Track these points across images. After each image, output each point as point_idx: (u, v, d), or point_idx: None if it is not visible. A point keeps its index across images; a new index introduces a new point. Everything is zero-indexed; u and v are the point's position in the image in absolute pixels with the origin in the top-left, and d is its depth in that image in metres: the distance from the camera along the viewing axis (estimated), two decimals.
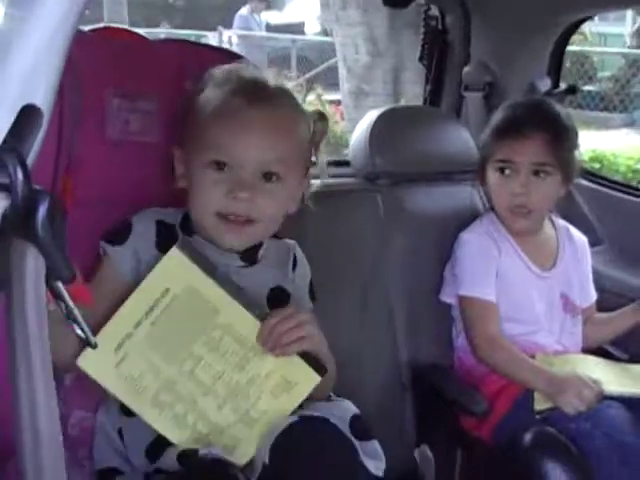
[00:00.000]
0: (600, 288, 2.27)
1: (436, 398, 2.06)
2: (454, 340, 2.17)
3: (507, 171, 2.09)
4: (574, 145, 2.14)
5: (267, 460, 1.33)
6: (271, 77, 1.53)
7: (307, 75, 10.50)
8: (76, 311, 0.73)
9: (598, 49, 10.75)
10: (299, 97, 1.59)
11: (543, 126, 2.07)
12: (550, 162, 2.06)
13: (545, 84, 2.62)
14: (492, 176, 2.13)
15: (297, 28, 12.59)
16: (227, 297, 1.41)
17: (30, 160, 0.65)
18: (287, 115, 1.51)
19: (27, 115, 0.63)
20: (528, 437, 1.80)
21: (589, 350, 2.17)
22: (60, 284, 0.67)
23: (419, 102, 2.86)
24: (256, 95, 1.47)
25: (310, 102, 9.35)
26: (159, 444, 1.41)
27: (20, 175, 0.62)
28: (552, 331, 2.12)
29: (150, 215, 1.52)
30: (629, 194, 2.63)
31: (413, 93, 5.03)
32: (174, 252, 1.40)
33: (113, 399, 1.44)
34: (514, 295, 2.10)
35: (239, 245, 1.52)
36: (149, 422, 1.38)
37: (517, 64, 2.60)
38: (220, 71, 1.52)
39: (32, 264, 0.64)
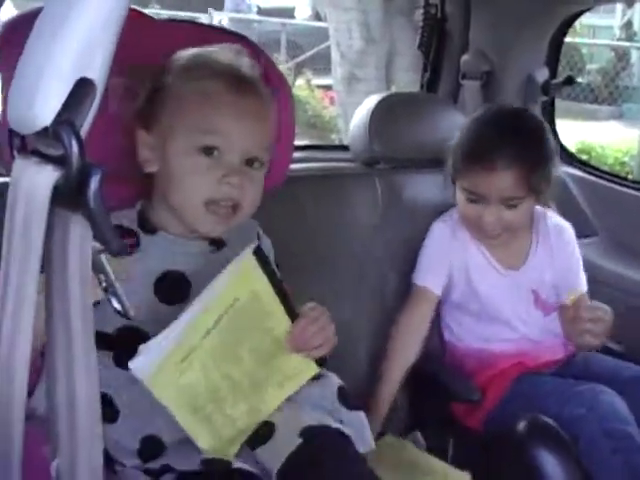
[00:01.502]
0: (594, 280, 2.27)
1: (429, 385, 2.08)
2: (443, 332, 2.18)
3: (475, 201, 1.98)
4: (550, 166, 1.99)
5: None
6: (246, 62, 1.49)
7: (296, 60, 10.47)
8: (117, 284, 0.72)
9: (587, 41, 10.76)
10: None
11: (517, 159, 1.91)
12: (522, 195, 1.94)
13: (543, 74, 2.63)
14: (459, 196, 2.03)
15: (288, 12, 12.52)
16: (277, 300, 1.39)
17: (83, 132, 0.65)
18: (268, 101, 1.50)
19: (81, 88, 0.63)
20: (521, 425, 1.80)
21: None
22: (103, 256, 0.67)
23: (410, 89, 2.87)
24: (242, 80, 1.45)
25: (299, 86, 9.36)
26: (152, 445, 1.39)
27: (75, 147, 0.63)
28: (521, 329, 2.08)
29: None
30: (624, 186, 2.64)
31: (405, 80, 5.04)
32: (249, 259, 1.36)
33: None
34: (481, 295, 2.08)
35: (221, 232, 1.50)
36: (184, 426, 1.33)
37: (515, 54, 2.60)
38: (194, 54, 1.48)
39: (78, 235, 0.64)
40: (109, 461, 1.40)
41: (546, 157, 1.99)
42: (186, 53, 1.48)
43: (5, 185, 0.67)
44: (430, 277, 2.07)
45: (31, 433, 0.84)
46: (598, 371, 2.03)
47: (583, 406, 1.81)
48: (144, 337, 1.33)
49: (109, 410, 1.38)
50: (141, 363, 1.27)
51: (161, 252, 1.46)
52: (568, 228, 2.18)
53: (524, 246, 2.12)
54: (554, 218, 2.18)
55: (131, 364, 1.27)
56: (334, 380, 1.54)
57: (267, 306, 1.38)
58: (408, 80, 4.74)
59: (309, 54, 10.55)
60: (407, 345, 2.04)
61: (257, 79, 1.49)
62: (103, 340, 1.32)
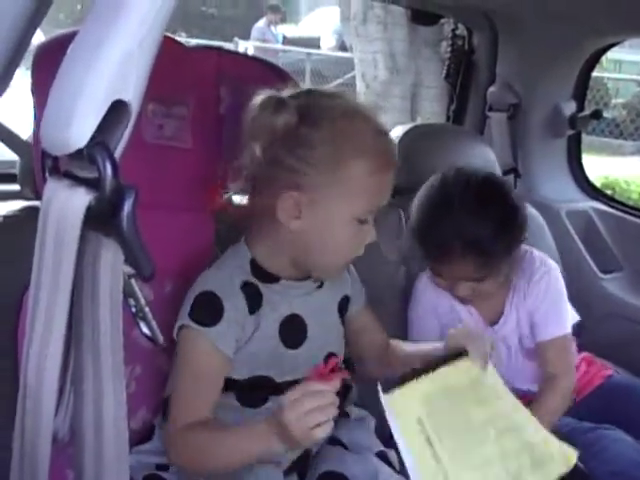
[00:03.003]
0: (617, 315, 2.25)
1: None
2: None
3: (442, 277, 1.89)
4: (514, 246, 1.83)
5: None
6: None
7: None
8: (147, 309, 0.72)
9: (613, 75, 10.74)
10: None
11: (475, 249, 1.75)
12: (488, 274, 1.81)
13: (570, 107, 2.63)
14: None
15: (313, 42, 12.60)
16: None
17: (117, 154, 0.65)
18: None
19: (116, 111, 0.63)
20: None
21: None
22: (133, 281, 0.67)
23: (436, 120, 2.87)
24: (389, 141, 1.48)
25: None
26: None
27: (109, 169, 0.62)
28: (520, 377, 1.94)
29: (231, 281, 1.44)
30: None
31: (430, 111, 5.04)
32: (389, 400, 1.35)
33: None
34: None
35: None
36: None
37: (542, 87, 2.61)
38: (353, 120, 1.41)
39: (109, 258, 0.63)
40: None
41: (508, 236, 1.81)
42: (346, 114, 1.41)
43: (34, 209, 0.67)
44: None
45: (53, 456, 0.83)
46: (618, 409, 2.00)
47: (596, 458, 1.76)
48: (270, 382, 1.44)
49: None
50: None
51: (281, 299, 1.49)
52: (552, 269, 1.99)
53: (500, 302, 1.97)
54: (535, 263, 1.98)
55: None
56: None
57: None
58: (433, 111, 4.75)
59: (334, 84, 10.59)
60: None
61: None
62: (233, 386, 1.44)
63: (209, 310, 1.41)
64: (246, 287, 1.45)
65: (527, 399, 1.76)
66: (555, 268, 1.99)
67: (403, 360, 1.60)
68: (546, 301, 1.94)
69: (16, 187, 1.68)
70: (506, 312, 1.97)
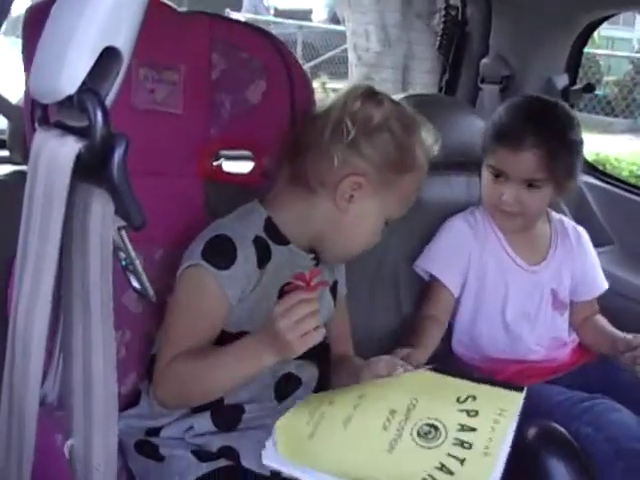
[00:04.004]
0: (607, 288, 2.25)
1: None
2: (452, 336, 2.15)
3: (499, 177, 2.03)
4: (574, 159, 2.04)
5: None
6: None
7: (312, 62, 10.46)
8: (137, 262, 0.71)
9: (606, 52, 10.72)
10: None
11: (542, 141, 1.96)
12: (544, 178, 1.99)
13: (563, 81, 2.61)
14: (485, 174, 2.09)
15: (304, 15, 12.52)
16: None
17: (109, 102, 0.64)
18: None
19: (107, 57, 0.62)
20: (532, 431, 1.78)
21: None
22: (124, 233, 0.66)
23: (428, 92, 2.86)
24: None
25: (314, 89, 9.33)
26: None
27: (99, 117, 0.61)
28: (537, 328, 2.09)
29: (245, 232, 1.48)
30: None
31: (422, 82, 5.02)
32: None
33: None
34: (498, 290, 2.08)
35: None
36: None
37: (536, 59, 2.59)
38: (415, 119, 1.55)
39: (99, 209, 0.62)
40: (154, 448, 1.46)
41: (571, 148, 2.03)
42: (408, 116, 1.54)
43: (23, 174, 0.65)
44: (447, 274, 2.07)
45: (42, 421, 0.83)
46: (613, 382, 2.01)
47: (590, 425, 1.78)
48: None
49: None
50: None
51: (286, 263, 1.51)
52: (585, 233, 2.23)
53: (544, 243, 2.16)
54: (571, 223, 2.24)
55: None
56: None
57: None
58: (425, 83, 4.71)
59: (325, 57, 10.55)
60: (428, 328, 2.02)
61: None
62: (220, 337, 1.44)
63: (224, 253, 1.43)
64: (258, 241, 1.48)
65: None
66: None
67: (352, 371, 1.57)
68: (589, 261, 2.19)
69: (5, 153, 1.67)
70: (549, 258, 2.13)
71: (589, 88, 2.67)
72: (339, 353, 1.68)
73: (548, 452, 1.73)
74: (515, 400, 1.31)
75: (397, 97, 2.24)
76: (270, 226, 1.51)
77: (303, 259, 1.54)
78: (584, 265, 2.19)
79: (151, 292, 0.72)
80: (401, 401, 1.28)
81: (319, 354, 1.57)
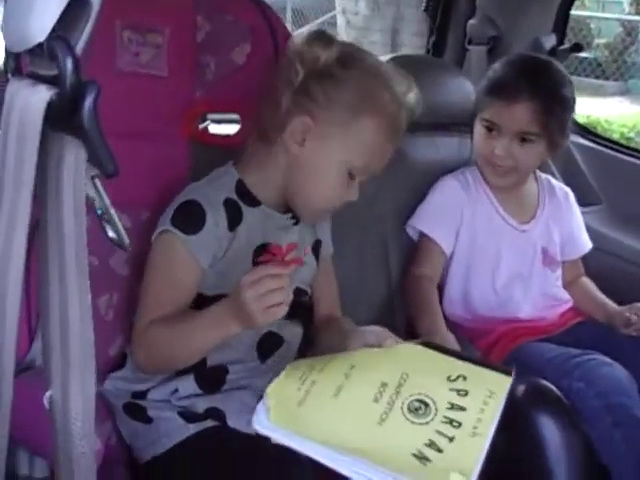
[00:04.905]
0: (596, 248, 2.26)
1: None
2: (444, 295, 2.16)
3: (492, 132, 2.04)
4: (567, 116, 2.07)
5: None
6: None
7: (302, 29, 10.38)
8: (112, 210, 0.71)
9: (596, 14, 10.65)
10: None
11: (537, 94, 1.98)
12: (537, 132, 2.00)
13: (550, 41, 2.61)
14: (478, 130, 2.09)
15: None
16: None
17: (78, 50, 0.63)
18: None
19: (77, 5, 0.62)
20: (521, 389, 1.78)
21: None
22: (97, 181, 0.66)
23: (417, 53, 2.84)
24: (402, 129, 1.54)
25: None
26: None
27: (69, 65, 0.61)
28: (528, 286, 2.11)
29: (215, 196, 1.47)
30: (629, 155, 2.62)
31: (412, 45, 4.99)
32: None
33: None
34: (489, 249, 2.09)
35: None
36: None
37: (523, 19, 2.59)
38: (375, 72, 1.49)
39: (72, 158, 0.62)
40: (142, 410, 1.46)
41: (564, 104, 2.05)
42: (366, 59, 1.50)
43: None
44: (439, 231, 2.08)
45: (29, 382, 0.83)
46: (604, 339, 2.02)
47: (582, 380, 1.80)
48: None
49: None
50: None
51: (259, 225, 1.50)
52: (571, 193, 2.26)
53: (532, 201, 2.18)
54: (558, 182, 2.27)
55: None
56: None
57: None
58: (414, 45, 4.69)
59: (314, 23, 10.47)
60: (429, 290, 2.04)
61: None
62: (197, 300, 1.44)
63: (192, 218, 1.43)
64: (228, 203, 1.47)
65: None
66: None
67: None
68: (575, 220, 2.24)
69: None
70: (538, 216, 2.16)
71: (577, 48, 2.67)
72: (325, 313, 1.68)
73: (538, 409, 1.73)
74: (504, 383, 1.32)
75: (383, 58, 2.25)
76: (241, 187, 1.50)
77: (278, 220, 1.54)
78: (570, 224, 2.22)
79: (127, 241, 0.73)
80: (392, 375, 1.27)
81: (303, 315, 1.59)
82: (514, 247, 2.11)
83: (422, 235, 2.10)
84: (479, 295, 2.09)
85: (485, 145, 2.07)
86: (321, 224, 1.67)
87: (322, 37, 1.47)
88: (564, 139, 2.08)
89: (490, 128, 2.04)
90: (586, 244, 2.24)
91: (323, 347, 1.55)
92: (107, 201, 0.69)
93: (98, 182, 0.66)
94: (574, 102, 2.10)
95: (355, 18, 5.65)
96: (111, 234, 0.71)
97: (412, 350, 1.39)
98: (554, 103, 2.01)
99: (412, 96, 1.52)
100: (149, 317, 1.40)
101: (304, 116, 1.44)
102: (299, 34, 1.51)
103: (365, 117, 1.45)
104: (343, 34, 5.79)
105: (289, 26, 10.17)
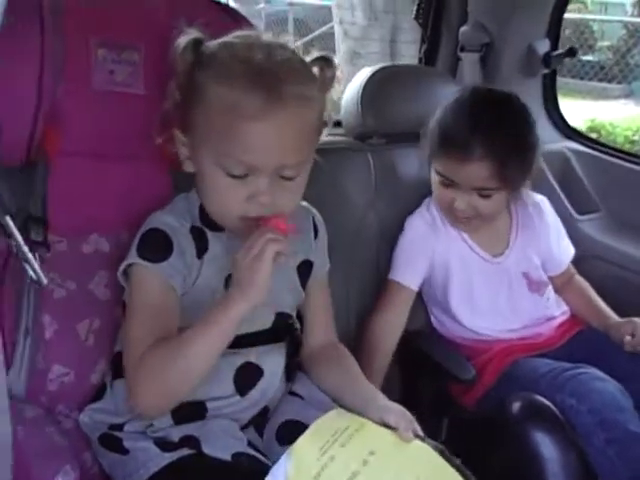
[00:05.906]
0: (595, 256, 2.23)
1: (423, 364, 2.02)
2: (433, 324, 2.14)
3: (449, 186, 1.94)
4: (528, 161, 1.92)
5: None
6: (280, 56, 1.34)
7: (304, 39, 10.38)
8: (26, 249, 0.67)
9: (599, 17, 10.61)
10: None
11: (492, 152, 1.84)
12: (496, 187, 1.89)
13: (544, 46, 2.57)
14: (434, 177, 1.99)
15: None
16: None
17: None
18: (309, 109, 1.34)
19: None
20: (517, 405, 1.76)
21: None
22: (9, 219, 0.62)
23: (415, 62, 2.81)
24: (278, 90, 1.27)
25: None
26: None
27: None
28: (517, 314, 2.07)
29: (180, 223, 1.41)
30: (627, 161, 2.58)
31: (410, 54, 4.97)
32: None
33: None
34: (464, 281, 2.04)
35: None
36: None
37: (515, 25, 2.55)
38: (228, 53, 1.34)
39: None
40: (118, 441, 1.42)
41: (524, 150, 1.91)
42: (216, 46, 1.37)
43: None
44: (407, 273, 2.01)
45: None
46: (599, 352, 1.99)
47: (574, 396, 1.76)
48: None
49: None
50: None
51: (226, 251, 1.42)
52: (544, 202, 2.16)
53: (504, 230, 2.09)
54: (530, 197, 2.09)
55: None
56: None
57: None
58: (412, 54, 4.67)
59: (316, 33, 10.47)
60: (383, 341, 1.97)
61: (294, 81, 1.31)
62: None
63: (158, 246, 1.38)
64: (194, 231, 1.42)
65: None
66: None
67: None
68: (552, 234, 2.13)
69: None
70: (511, 244, 2.06)
71: (571, 52, 2.62)
72: (322, 339, 1.62)
73: (534, 425, 1.72)
74: None
75: (373, 68, 2.22)
76: (204, 214, 1.43)
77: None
78: (547, 241, 2.12)
79: (44, 280, 0.69)
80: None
81: (286, 339, 1.53)
82: (490, 279, 2.05)
83: (391, 281, 2.02)
84: (465, 321, 2.06)
85: (443, 196, 1.97)
86: (310, 244, 1.59)
87: (188, 43, 1.37)
88: (527, 178, 1.96)
89: (446, 183, 1.95)
90: (568, 252, 2.18)
91: (336, 393, 1.51)
92: (20, 239, 0.65)
93: (10, 222, 0.62)
94: (537, 141, 1.95)
95: (352, 28, 5.63)
96: (30, 273, 0.68)
97: (428, 456, 1.34)
98: (513, 155, 1.87)
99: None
100: (140, 350, 1.31)
101: (176, 130, 1.39)
102: None
103: (195, 110, 1.33)
104: (340, 45, 5.77)
105: (291, 36, 10.16)
